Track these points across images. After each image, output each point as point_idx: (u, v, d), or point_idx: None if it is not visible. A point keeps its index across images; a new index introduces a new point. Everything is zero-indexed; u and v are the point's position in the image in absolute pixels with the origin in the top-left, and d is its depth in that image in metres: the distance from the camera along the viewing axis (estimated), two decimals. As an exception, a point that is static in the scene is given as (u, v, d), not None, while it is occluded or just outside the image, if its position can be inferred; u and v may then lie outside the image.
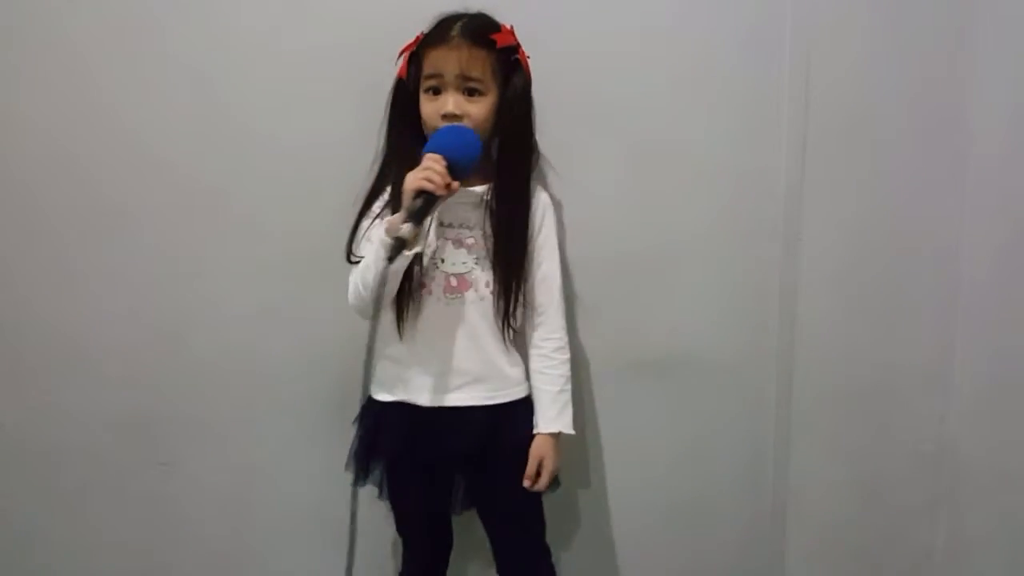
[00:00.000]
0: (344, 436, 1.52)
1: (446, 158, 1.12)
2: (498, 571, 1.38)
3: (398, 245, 1.07)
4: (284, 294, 1.48)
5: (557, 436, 1.29)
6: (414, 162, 1.14)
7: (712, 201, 1.49)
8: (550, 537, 1.44)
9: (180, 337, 1.49)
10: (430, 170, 1.10)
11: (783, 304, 1.52)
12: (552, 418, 1.28)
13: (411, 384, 1.28)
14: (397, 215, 1.14)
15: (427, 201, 1.10)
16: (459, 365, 1.27)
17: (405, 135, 1.25)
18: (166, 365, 1.50)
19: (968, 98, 1.47)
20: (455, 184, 1.12)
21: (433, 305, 1.26)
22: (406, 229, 1.07)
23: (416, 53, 1.25)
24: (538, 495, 1.32)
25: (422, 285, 1.25)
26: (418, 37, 1.25)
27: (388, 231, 1.12)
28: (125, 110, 1.42)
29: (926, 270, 1.53)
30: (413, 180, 1.11)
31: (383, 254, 1.09)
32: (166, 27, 1.40)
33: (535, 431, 1.29)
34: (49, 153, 1.43)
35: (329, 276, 1.42)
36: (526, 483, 1.27)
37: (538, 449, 1.28)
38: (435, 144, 1.15)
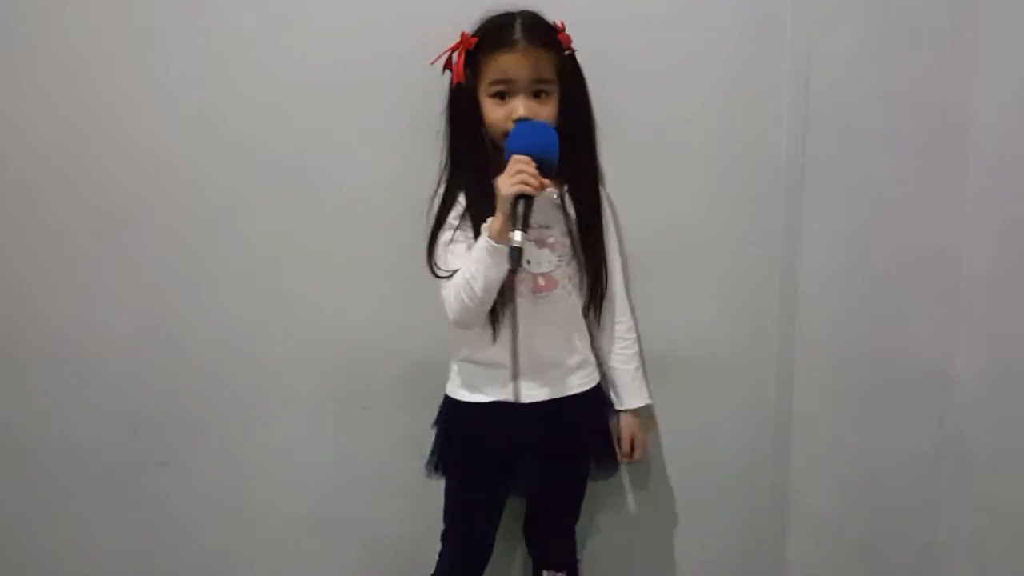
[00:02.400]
0: (343, 436, 1.53)
1: (534, 157, 1.12)
2: (530, 544, 1.47)
3: (517, 254, 1.08)
4: (284, 294, 1.48)
5: (640, 410, 1.40)
6: (481, 165, 1.16)
7: (711, 200, 1.49)
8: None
9: (180, 337, 1.49)
10: (523, 173, 1.10)
11: (783, 304, 1.52)
12: (636, 392, 1.39)
13: (513, 383, 1.28)
14: (493, 221, 1.14)
15: (527, 204, 1.11)
16: (557, 358, 1.31)
17: (470, 142, 1.25)
18: (166, 365, 1.50)
19: (968, 98, 1.46)
20: (547, 181, 1.13)
21: (524, 306, 1.27)
22: (519, 237, 1.09)
23: (472, 57, 1.22)
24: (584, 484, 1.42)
25: (511, 287, 1.25)
26: (465, 39, 1.22)
27: (497, 241, 1.12)
28: (125, 111, 1.42)
29: (926, 270, 1.52)
30: (509, 186, 1.10)
31: (492, 265, 1.13)
32: (166, 28, 1.40)
33: (620, 408, 1.39)
34: (50, 154, 1.44)
35: (329, 276, 1.43)
36: (623, 459, 1.40)
37: (629, 426, 1.39)
38: (518, 145, 1.14)
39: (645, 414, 1.43)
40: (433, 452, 1.37)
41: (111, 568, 1.58)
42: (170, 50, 1.40)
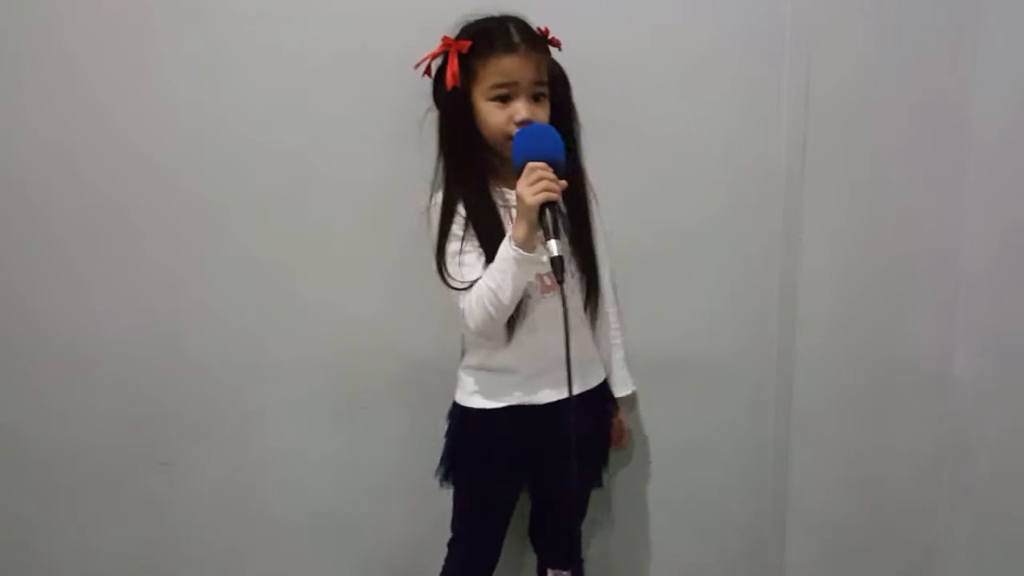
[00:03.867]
0: (343, 436, 1.53)
1: (548, 162, 1.11)
2: (535, 543, 1.46)
3: (560, 263, 1.07)
4: (283, 295, 1.47)
5: (628, 397, 1.44)
6: (480, 172, 1.17)
7: (712, 201, 1.49)
8: (550, 537, 1.44)
9: (180, 338, 1.49)
10: (544, 180, 1.09)
11: (783, 304, 1.52)
12: (623, 381, 1.42)
13: (527, 386, 1.28)
14: (516, 230, 1.12)
15: (554, 210, 1.10)
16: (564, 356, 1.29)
17: (466, 146, 1.23)
18: (166, 365, 1.50)
19: (968, 98, 1.47)
20: (563, 183, 1.12)
21: (534, 307, 1.26)
22: (556, 246, 1.07)
23: (467, 61, 1.20)
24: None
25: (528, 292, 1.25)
26: (455, 43, 1.20)
27: (526, 251, 1.11)
28: (125, 113, 1.42)
29: (926, 270, 1.53)
30: (533, 196, 1.08)
31: (520, 275, 1.13)
32: (165, 29, 1.39)
33: (616, 395, 1.41)
34: (49, 155, 1.43)
35: (328, 277, 1.43)
36: (615, 445, 1.43)
37: (621, 414, 1.45)
38: (529, 150, 1.12)
39: (629, 402, 1.46)
40: (443, 461, 1.36)
41: (111, 568, 1.58)
42: (169, 50, 1.40)
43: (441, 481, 1.36)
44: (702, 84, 1.45)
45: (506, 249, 1.14)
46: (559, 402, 1.28)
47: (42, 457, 1.53)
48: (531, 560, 1.50)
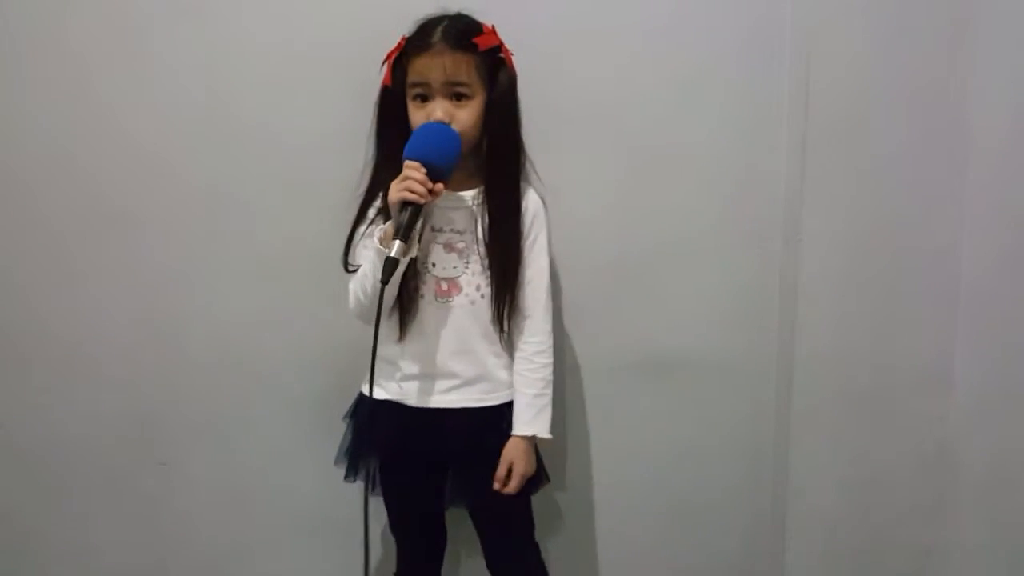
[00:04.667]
0: (343, 436, 1.53)
1: (424, 163, 1.12)
2: (488, 568, 1.38)
3: (391, 265, 1.08)
4: (283, 295, 1.48)
5: (531, 439, 1.27)
6: (401, 167, 1.14)
7: (712, 201, 1.49)
8: (552, 537, 1.44)
9: (179, 337, 1.49)
10: (410, 180, 1.10)
11: (783, 304, 1.52)
12: (527, 421, 1.26)
13: (404, 384, 1.28)
14: (388, 224, 1.15)
15: (413, 211, 1.11)
16: (450, 368, 1.27)
17: (394, 142, 1.22)
18: (166, 365, 1.50)
19: (968, 98, 1.46)
20: (439, 187, 1.12)
21: (425, 308, 1.26)
22: (397, 248, 1.09)
23: (400, 59, 1.22)
24: (526, 494, 1.32)
25: (415, 288, 1.25)
26: (401, 42, 1.22)
27: (382, 245, 1.13)
28: (125, 112, 1.42)
29: (926, 270, 1.53)
30: (395, 192, 1.11)
31: (379, 267, 1.11)
32: (165, 29, 1.40)
33: (512, 433, 1.27)
34: (49, 154, 1.43)
35: (328, 277, 1.42)
36: (496, 486, 1.25)
37: (509, 452, 1.26)
38: (411, 149, 1.14)
39: (530, 446, 1.27)
40: (340, 443, 1.37)
41: (111, 568, 1.58)
42: (170, 49, 1.40)
43: (338, 461, 1.37)
44: (702, 84, 1.45)
45: (372, 239, 1.16)
46: (435, 410, 1.27)
47: (42, 457, 1.53)
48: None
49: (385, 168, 1.24)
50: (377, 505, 1.52)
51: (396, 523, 1.40)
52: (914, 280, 1.53)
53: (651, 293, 1.50)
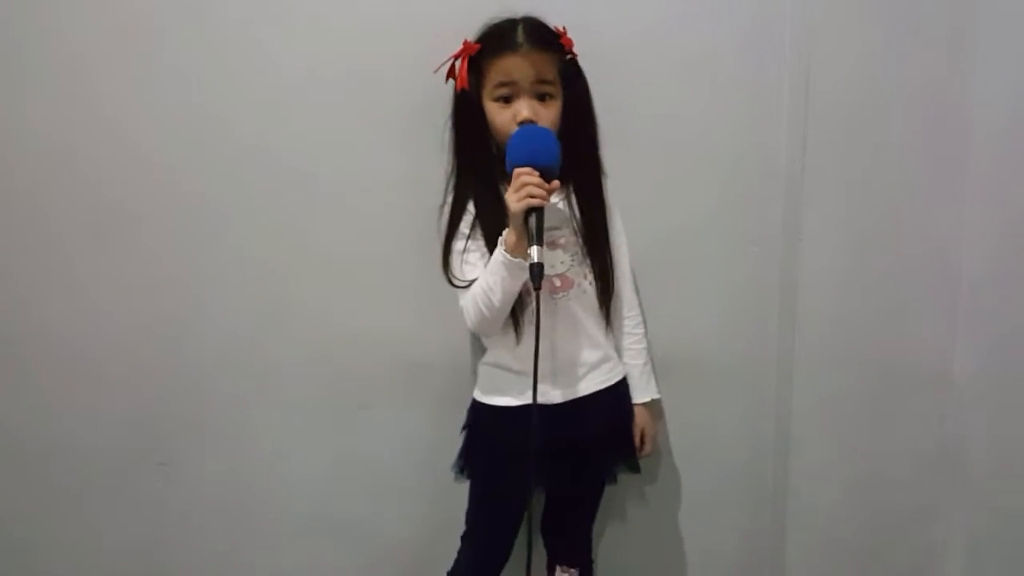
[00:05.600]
0: (342, 436, 1.53)
1: (535, 167, 1.11)
2: (545, 538, 1.45)
3: (538, 270, 1.08)
4: (283, 295, 1.47)
5: (651, 404, 1.40)
6: (489, 172, 1.17)
7: (712, 200, 1.49)
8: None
9: (179, 338, 1.49)
10: (529, 186, 1.10)
11: (783, 304, 1.52)
12: (644, 388, 1.39)
13: (540, 385, 1.24)
14: (508, 234, 1.14)
15: (539, 215, 1.10)
16: (579, 357, 1.30)
17: (476, 146, 1.24)
18: (166, 365, 1.50)
19: (968, 98, 1.47)
20: (555, 184, 1.13)
21: (544, 307, 1.24)
22: (537, 252, 1.08)
23: (475, 62, 1.22)
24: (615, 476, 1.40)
25: (528, 292, 1.24)
26: (467, 46, 1.22)
27: (513, 255, 1.13)
28: (124, 113, 1.42)
29: (926, 270, 1.53)
30: (518, 202, 1.10)
31: (508, 278, 1.14)
32: (166, 31, 1.39)
33: (635, 403, 1.38)
34: (50, 155, 1.43)
35: (328, 277, 1.43)
36: (645, 449, 1.39)
37: (639, 420, 1.38)
38: (518, 155, 1.13)
39: (654, 408, 1.42)
40: (460, 455, 1.37)
41: (110, 567, 1.58)
42: (170, 51, 1.40)
43: (456, 475, 1.37)
44: (702, 83, 1.45)
45: (498, 252, 1.16)
46: (569, 403, 1.29)
47: (42, 457, 1.53)
48: (540, 555, 1.48)
49: (472, 176, 1.26)
50: (385, 504, 1.53)
51: (505, 522, 1.37)
52: (914, 279, 1.53)
53: (651, 292, 1.49)
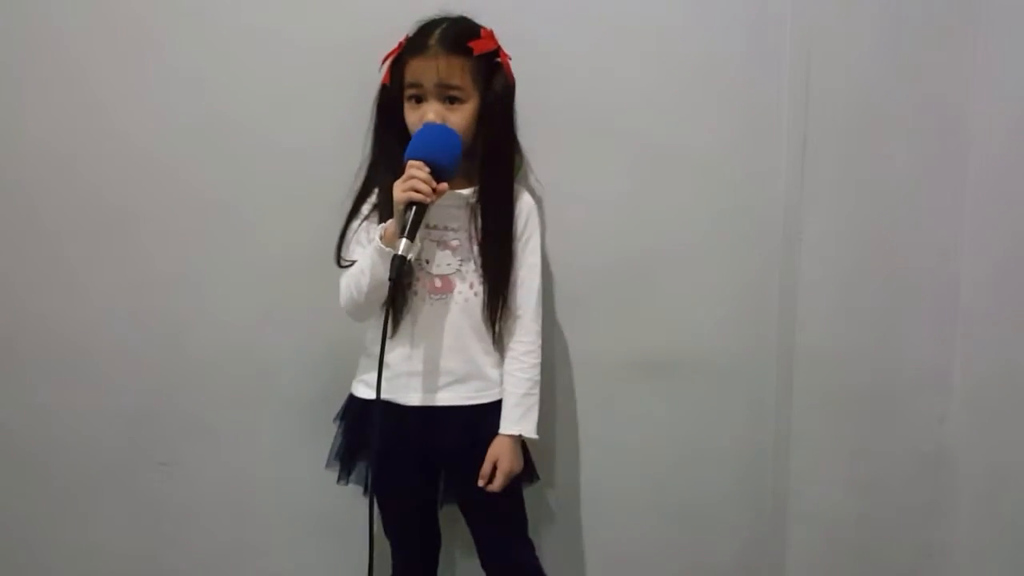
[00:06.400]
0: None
1: (427, 162, 1.12)
2: (483, 567, 1.38)
3: (398, 262, 1.08)
4: (283, 295, 1.48)
5: (517, 438, 1.27)
6: (399, 166, 1.15)
7: (712, 201, 1.49)
8: (551, 538, 1.43)
9: (179, 338, 1.49)
10: (415, 179, 1.11)
11: (783, 304, 1.52)
12: (514, 420, 1.27)
13: (396, 383, 1.27)
14: (390, 223, 1.15)
15: (419, 211, 1.11)
16: (443, 365, 1.27)
17: (391, 140, 1.25)
18: (166, 365, 1.50)
19: (968, 98, 1.46)
20: (443, 186, 1.13)
21: (419, 305, 1.26)
22: (404, 246, 1.09)
23: (399, 60, 1.24)
24: (518, 491, 1.33)
25: (408, 286, 1.25)
26: (401, 43, 1.24)
27: (385, 244, 1.14)
28: (124, 114, 1.42)
29: (926, 270, 1.52)
30: (400, 192, 1.11)
31: (379, 265, 1.12)
32: (164, 32, 1.40)
33: (498, 432, 1.27)
34: (49, 156, 1.44)
35: (327, 277, 1.42)
36: (480, 482, 1.25)
37: (494, 450, 1.26)
38: (415, 149, 1.14)
39: (516, 444, 1.27)
40: (332, 446, 1.37)
41: (111, 567, 1.58)
42: (169, 50, 1.40)
43: (329, 464, 1.37)
44: (702, 84, 1.45)
45: (374, 238, 1.17)
46: (428, 407, 1.27)
47: (42, 457, 1.54)
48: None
49: (381, 166, 1.27)
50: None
51: (390, 524, 1.39)
52: (914, 279, 1.53)
53: (651, 293, 1.50)
